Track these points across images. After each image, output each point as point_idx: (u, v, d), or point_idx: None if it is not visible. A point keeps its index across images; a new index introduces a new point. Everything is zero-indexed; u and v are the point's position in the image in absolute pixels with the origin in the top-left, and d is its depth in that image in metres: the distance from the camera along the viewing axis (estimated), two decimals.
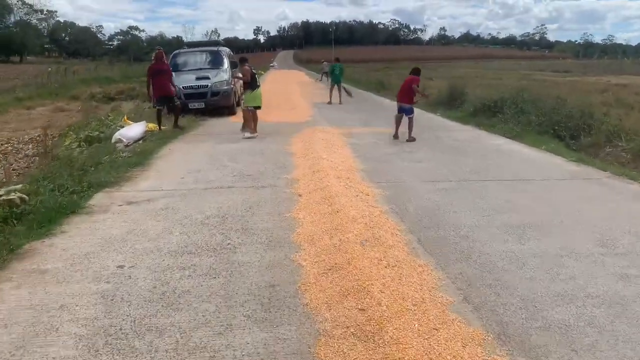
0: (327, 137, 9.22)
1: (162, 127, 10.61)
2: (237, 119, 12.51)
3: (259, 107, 10.19)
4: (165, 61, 11.16)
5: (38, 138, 11.50)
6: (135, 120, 12.25)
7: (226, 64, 14.07)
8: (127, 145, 8.82)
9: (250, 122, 10.11)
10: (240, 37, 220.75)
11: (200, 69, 13.79)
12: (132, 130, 9.46)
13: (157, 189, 5.81)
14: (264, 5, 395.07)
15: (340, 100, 17.44)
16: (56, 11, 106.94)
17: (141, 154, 7.69)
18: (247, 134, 10.00)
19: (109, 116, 11.81)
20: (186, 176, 6.44)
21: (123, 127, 10.35)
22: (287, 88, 26.46)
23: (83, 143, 9.26)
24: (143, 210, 4.98)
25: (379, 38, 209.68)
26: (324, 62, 38.29)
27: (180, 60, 14.28)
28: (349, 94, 17.85)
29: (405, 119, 9.67)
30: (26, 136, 11.70)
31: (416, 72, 9.84)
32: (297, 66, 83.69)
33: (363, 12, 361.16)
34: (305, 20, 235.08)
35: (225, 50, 14.94)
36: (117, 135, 9.05)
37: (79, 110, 18.21)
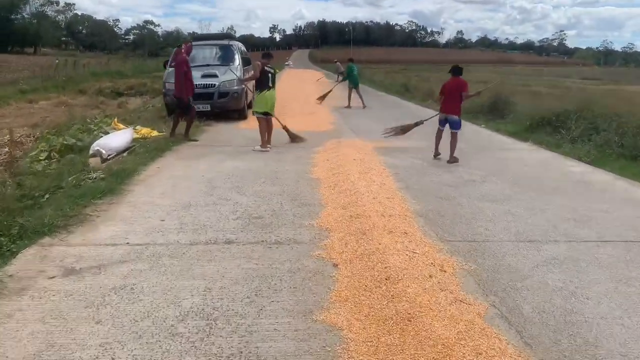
0: (358, 156, 7.26)
1: (173, 134, 8.85)
2: (248, 126, 10.62)
3: (268, 114, 8.26)
4: None
5: (22, 139, 9.77)
6: (134, 123, 10.44)
7: (237, 60, 12.16)
8: (106, 159, 6.95)
9: (264, 134, 8.19)
10: (257, 35, 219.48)
11: (207, 65, 11.88)
12: (115, 139, 7.56)
13: (120, 242, 3.89)
14: (280, 4, 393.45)
15: (363, 104, 15.50)
16: (74, 4, 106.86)
17: (117, 176, 5.78)
18: (257, 147, 8.10)
19: (95, 119, 9.94)
20: (169, 216, 4.52)
21: (108, 133, 8.50)
22: (304, 89, 24.52)
23: (54, 154, 7.43)
24: (81, 294, 3.05)
25: (395, 39, 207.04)
26: (337, 62, 36.32)
27: (194, 54, 12.38)
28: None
29: (446, 134, 7.74)
30: (7, 136, 9.92)
31: (459, 71, 7.83)
32: (313, 65, 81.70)
33: (379, 13, 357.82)
34: (321, 19, 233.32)
35: (237, 44, 13.02)
36: (95, 146, 7.16)
37: (84, 106, 16.78)
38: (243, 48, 14.03)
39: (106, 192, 5.17)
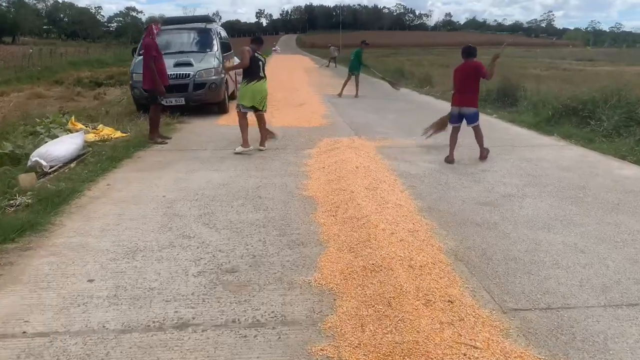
0: (361, 161, 5.89)
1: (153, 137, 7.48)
2: (228, 121, 9.21)
3: (255, 109, 6.87)
4: None
5: None
6: (99, 121, 9.00)
7: (216, 46, 10.67)
8: (47, 173, 5.53)
9: (244, 131, 6.83)
10: (243, 20, 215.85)
11: (181, 52, 10.38)
12: (61, 146, 6.09)
13: (13, 332, 2.50)
14: None
15: (357, 93, 14.09)
16: None
17: (48, 201, 4.36)
18: (239, 148, 6.74)
19: (46, 118, 8.43)
20: (102, 273, 3.13)
21: (58, 137, 7.05)
22: (292, 76, 22.99)
23: None
24: None
25: (384, 23, 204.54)
26: (331, 47, 34.76)
27: (161, 40, 10.85)
28: (394, 85, 14.59)
29: (463, 133, 6.44)
30: None
31: (472, 53, 6.42)
32: (300, 51, 79.65)
33: None
34: (309, 3, 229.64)
35: (215, 28, 11.48)
36: (33, 155, 5.73)
37: (58, 97, 15.27)
38: (223, 32, 12.50)
39: (25, 228, 3.77)
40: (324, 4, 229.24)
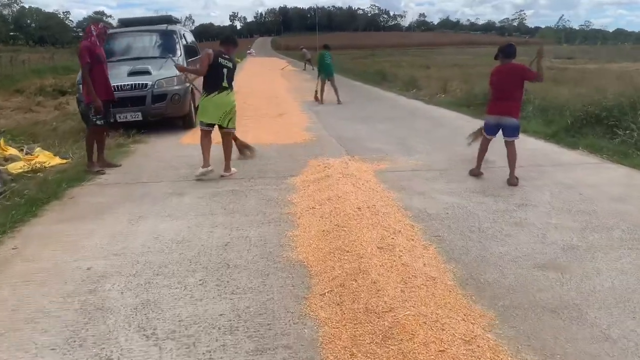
0: (363, 198, 4.51)
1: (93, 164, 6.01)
2: (194, 139, 7.76)
3: (223, 129, 5.56)
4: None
5: None
6: (40, 142, 7.50)
7: (179, 50, 9.19)
8: None
9: (206, 151, 5.52)
10: (216, 23, 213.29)
11: (138, 58, 8.88)
12: None
13: None
14: None
15: (338, 100, 12.77)
16: None
17: None
18: (200, 170, 5.41)
19: None
20: None
21: None
22: (269, 81, 21.55)
23: None
24: None
25: (358, 24, 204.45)
26: (304, 49, 33.38)
27: (114, 45, 9.33)
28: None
29: (492, 145, 5.20)
30: None
31: (511, 53, 5.27)
32: (276, 53, 77.96)
33: None
34: (283, 5, 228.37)
35: (179, 30, 9.96)
36: None
37: (13, 109, 13.54)
38: (189, 35, 11.04)
39: None
40: (298, 6, 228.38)
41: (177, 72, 8.47)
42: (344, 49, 73.08)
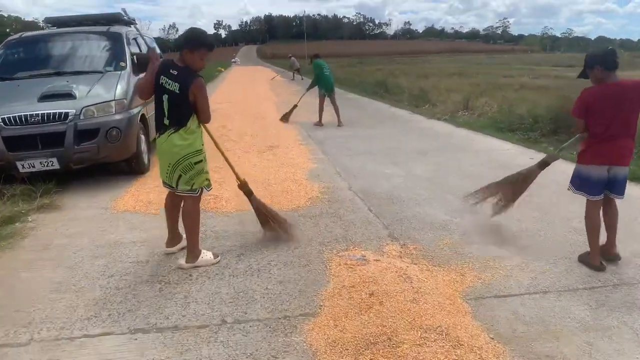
0: None
1: None
2: (138, 199, 4.94)
3: (170, 187, 2.93)
4: None
5: None
6: None
7: (126, 62, 6.28)
8: None
9: (170, 216, 3.35)
10: None
11: (59, 73, 5.97)
12: None
13: None
14: (225, 0, 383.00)
15: (339, 121, 10.07)
16: None
17: None
18: (165, 250, 2.84)
19: None
20: None
21: None
22: (254, 94, 18.71)
23: None
24: None
25: (344, 33, 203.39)
26: (292, 58, 30.74)
27: (25, 54, 6.41)
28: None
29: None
30: None
31: (615, 62, 3.10)
32: (261, 62, 75.03)
33: (326, 7, 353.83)
34: (268, 14, 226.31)
35: (127, 32, 6.95)
36: None
37: None
38: (150, 41, 7.92)
39: None
40: (283, 14, 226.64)
41: (118, 93, 5.67)
42: (331, 56, 70.75)
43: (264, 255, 3.58)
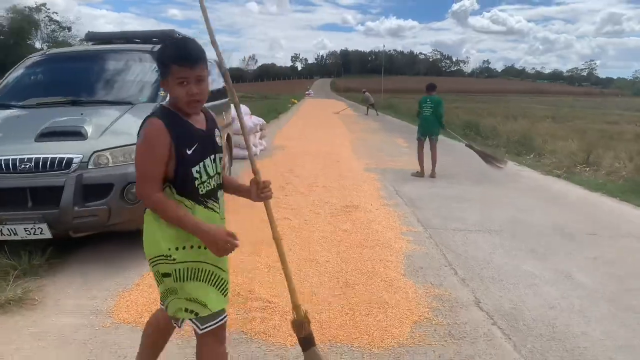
0: None
1: None
2: (137, 314, 3.11)
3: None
4: None
5: None
6: None
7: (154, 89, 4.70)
8: None
9: None
10: (279, 64, 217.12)
11: (75, 102, 4.47)
12: None
13: None
14: (303, 34, 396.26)
15: (433, 171, 8.08)
16: None
17: None
18: None
19: None
20: None
21: None
22: (326, 128, 17.12)
23: None
24: None
25: (420, 69, 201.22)
26: (366, 93, 29.21)
27: (45, 75, 5.02)
28: (493, 162, 7.98)
29: None
30: None
31: None
32: (335, 95, 74.43)
33: (401, 44, 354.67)
34: (344, 48, 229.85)
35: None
36: None
37: None
38: (213, 69, 6.42)
39: None
40: (359, 49, 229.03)
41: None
42: (405, 92, 68.77)
43: None
